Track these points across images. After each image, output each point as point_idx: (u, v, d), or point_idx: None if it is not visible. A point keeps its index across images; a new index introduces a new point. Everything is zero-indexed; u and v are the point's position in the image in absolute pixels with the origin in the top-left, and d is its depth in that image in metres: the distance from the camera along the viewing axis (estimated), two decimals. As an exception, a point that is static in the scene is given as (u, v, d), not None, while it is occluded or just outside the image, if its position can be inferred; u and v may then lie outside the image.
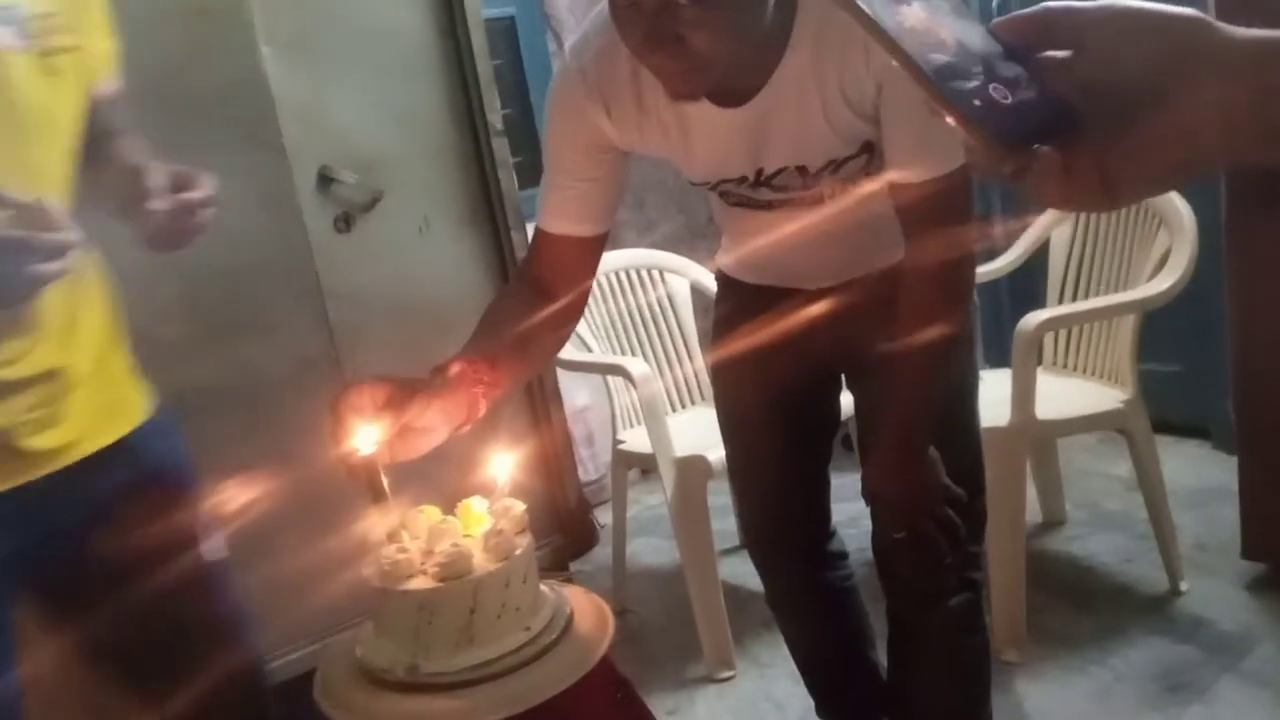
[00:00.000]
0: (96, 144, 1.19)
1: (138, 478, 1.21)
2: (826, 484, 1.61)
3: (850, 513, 1.65)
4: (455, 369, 1.13)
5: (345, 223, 2.25)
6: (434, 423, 1.09)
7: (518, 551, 1.01)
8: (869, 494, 1.36)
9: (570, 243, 1.28)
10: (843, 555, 1.66)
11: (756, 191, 1.30)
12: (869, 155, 1.24)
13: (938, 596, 1.44)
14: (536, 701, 0.95)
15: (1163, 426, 2.79)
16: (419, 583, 0.97)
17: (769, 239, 1.39)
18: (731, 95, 1.19)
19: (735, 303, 1.54)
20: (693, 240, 2.39)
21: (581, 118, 1.25)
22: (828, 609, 1.66)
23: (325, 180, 2.20)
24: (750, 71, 1.17)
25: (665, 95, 1.15)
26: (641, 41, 1.07)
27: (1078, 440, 2.87)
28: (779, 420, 1.52)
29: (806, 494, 1.60)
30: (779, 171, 1.26)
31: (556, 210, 1.28)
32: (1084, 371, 2.33)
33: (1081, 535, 2.53)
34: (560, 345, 1.37)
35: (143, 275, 1.96)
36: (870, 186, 1.27)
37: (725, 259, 1.55)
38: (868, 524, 1.45)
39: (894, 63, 0.51)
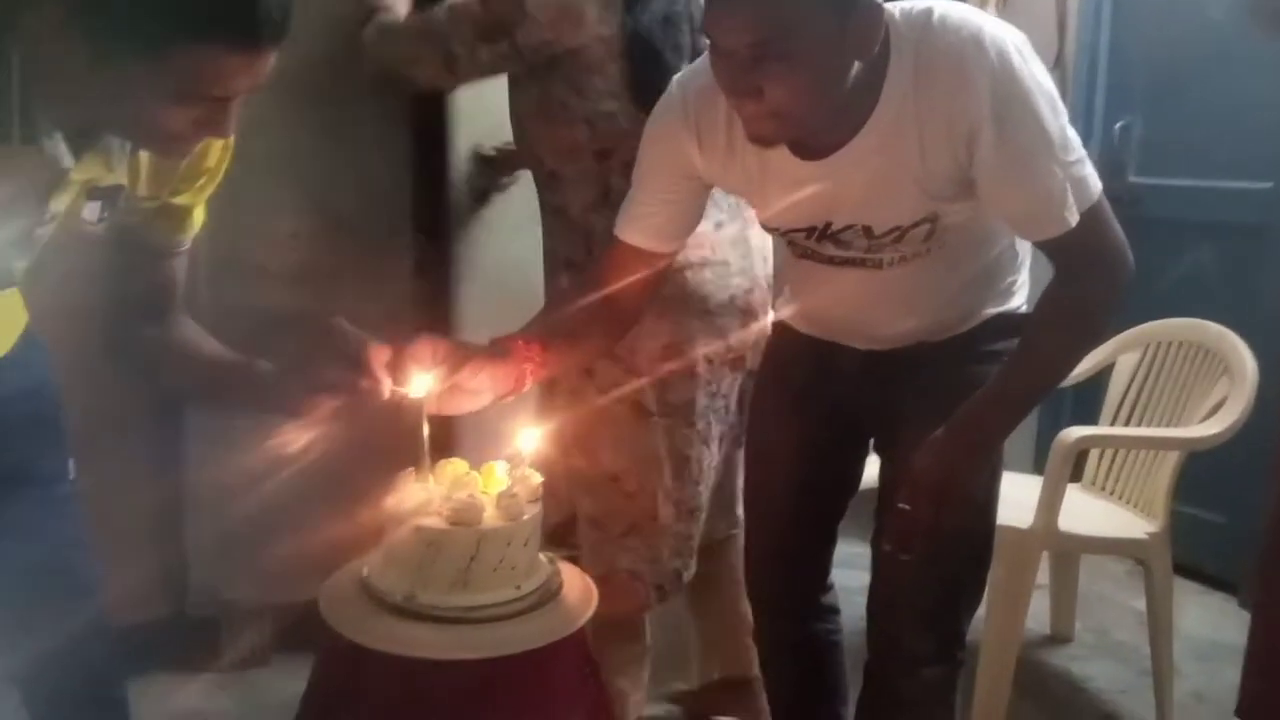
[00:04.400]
0: (155, 302, 1.24)
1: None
2: (833, 539, 1.67)
3: (847, 580, 1.70)
4: (510, 344, 1.24)
5: (482, 197, 2.35)
6: (481, 386, 1.20)
7: (525, 516, 1.11)
8: (909, 469, 1.33)
9: (638, 254, 1.39)
10: (834, 610, 1.71)
11: (821, 245, 1.38)
12: (931, 226, 1.31)
13: (917, 660, 1.49)
14: (513, 650, 1.05)
15: (1193, 573, 2.80)
16: (431, 521, 1.08)
17: (826, 293, 1.47)
18: (813, 149, 1.28)
19: (784, 347, 1.61)
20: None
21: (674, 143, 1.35)
22: (811, 657, 1.71)
23: (476, 157, 2.32)
24: (833, 128, 1.25)
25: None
26: (727, 88, 1.18)
27: (1106, 567, 2.88)
28: (801, 468, 1.58)
29: (813, 544, 1.66)
30: (846, 228, 1.34)
31: (633, 222, 1.39)
32: (1120, 497, 2.35)
33: (1083, 657, 2.53)
34: (610, 345, 1.47)
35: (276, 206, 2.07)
36: (929, 256, 1.35)
37: (784, 306, 1.62)
38: (863, 595, 1.52)
39: None
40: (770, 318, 1.80)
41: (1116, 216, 1.29)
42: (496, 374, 1.23)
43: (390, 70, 1.84)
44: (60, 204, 1.07)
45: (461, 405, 1.23)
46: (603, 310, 1.39)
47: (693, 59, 1.65)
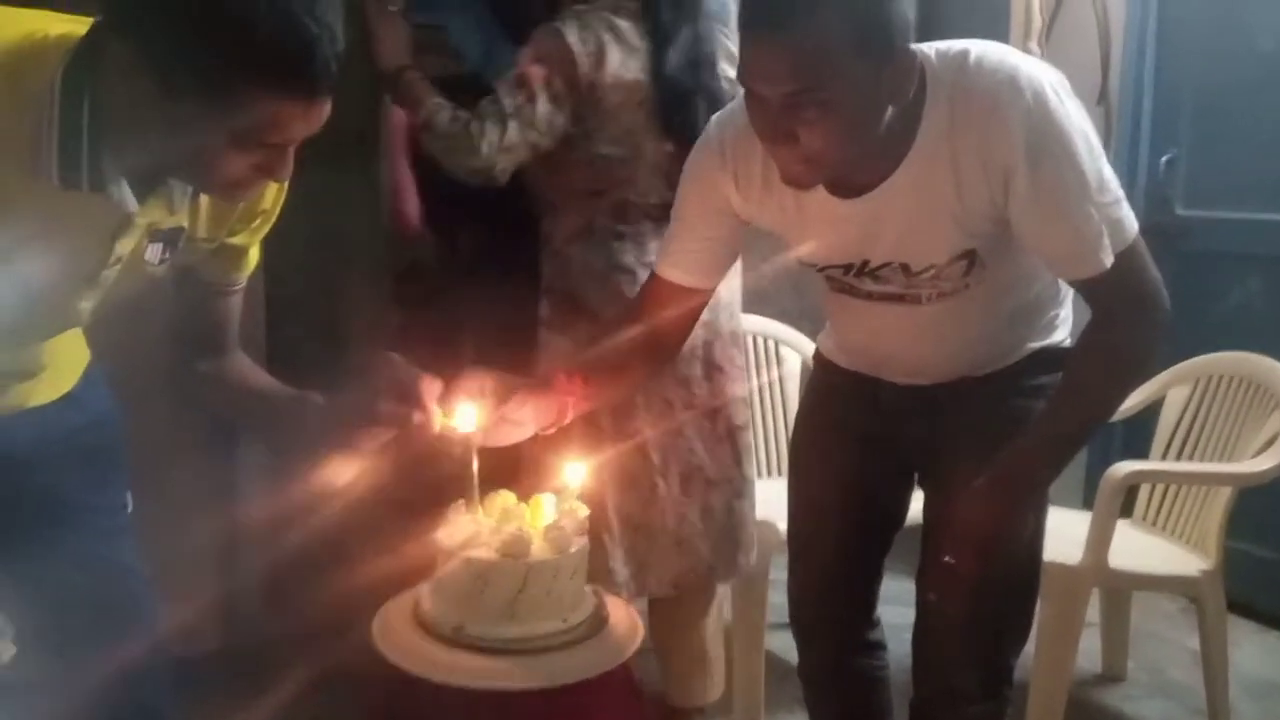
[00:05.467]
0: (211, 338, 1.29)
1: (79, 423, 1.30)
2: (878, 573, 1.66)
3: (892, 616, 1.69)
4: (553, 377, 1.27)
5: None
6: (525, 418, 1.23)
7: (572, 549, 1.12)
8: (953, 520, 1.33)
9: (676, 290, 1.41)
10: (880, 645, 1.70)
11: (859, 281, 1.39)
12: (968, 263, 1.32)
13: (963, 698, 1.48)
14: (560, 682, 1.06)
15: (1248, 611, 2.74)
16: (481, 553, 1.10)
17: (865, 328, 1.48)
18: (849, 187, 1.29)
19: (826, 382, 1.62)
20: (800, 320, 2.50)
21: (711, 182, 1.37)
22: (855, 692, 1.70)
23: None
24: (868, 168, 1.27)
25: None
26: (761, 132, 1.20)
27: (1159, 606, 2.82)
28: (845, 502, 1.58)
29: (857, 578, 1.65)
30: (883, 265, 1.35)
31: (671, 257, 1.42)
32: (1172, 533, 2.31)
33: (1136, 696, 2.48)
34: (649, 378, 1.49)
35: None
36: (968, 294, 1.35)
37: (826, 340, 1.63)
38: (910, 632, 1.52)
39: None
40: (742, 375, 1.93)
41: (1164, 250, 1.28)
42: (539, 406, 1.26)
43: (451, 161, 1.80)
44: (125, 246, 1.11)
45: (505, 436, 1.26)
46: (642, 344, 1.42)
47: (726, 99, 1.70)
